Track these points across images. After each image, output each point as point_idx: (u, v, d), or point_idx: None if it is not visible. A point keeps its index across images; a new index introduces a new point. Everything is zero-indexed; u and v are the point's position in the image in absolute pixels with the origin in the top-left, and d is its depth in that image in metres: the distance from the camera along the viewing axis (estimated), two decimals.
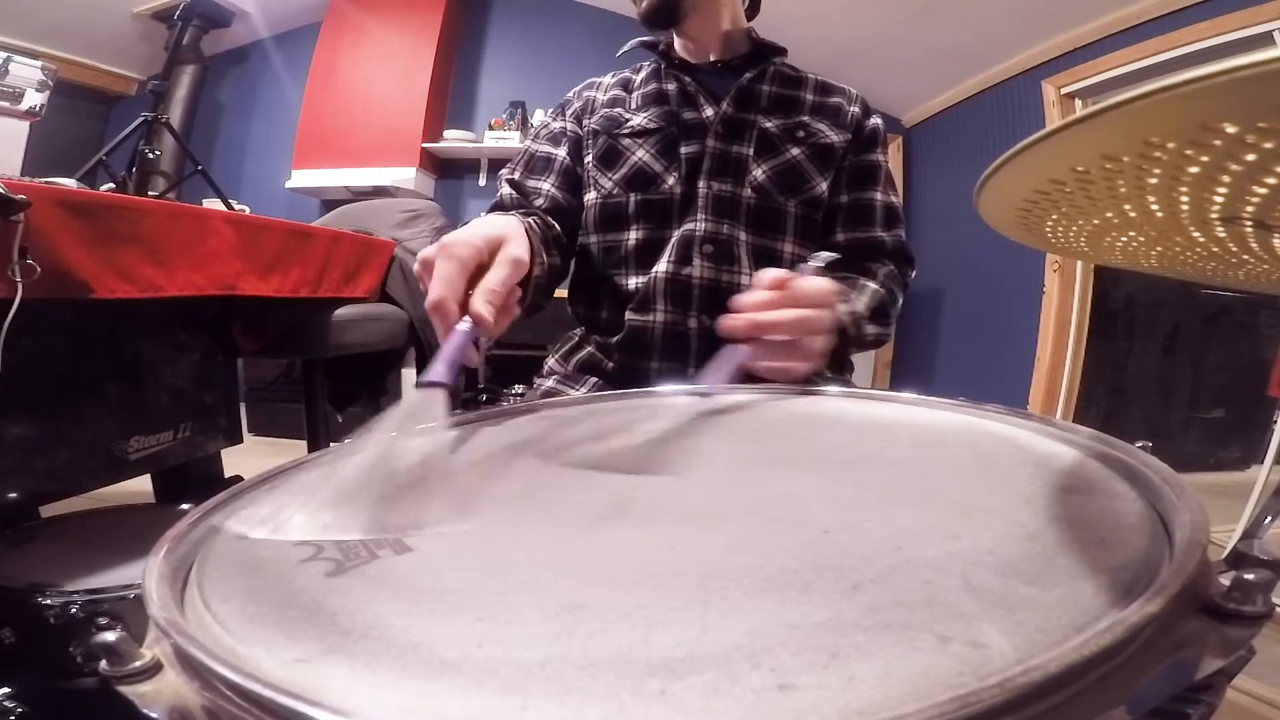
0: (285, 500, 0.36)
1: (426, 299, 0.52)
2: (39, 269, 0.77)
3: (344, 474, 0.38)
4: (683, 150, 0.85)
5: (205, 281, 1.04)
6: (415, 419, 0.44)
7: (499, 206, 0.88)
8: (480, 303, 0.51)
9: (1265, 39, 1.93)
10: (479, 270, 0.54)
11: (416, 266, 0.57)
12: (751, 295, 0.61)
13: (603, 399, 0.64)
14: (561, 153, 0.91)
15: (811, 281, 0.63)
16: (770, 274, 0.62)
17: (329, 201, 3.34)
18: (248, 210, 1.71)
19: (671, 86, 0.90)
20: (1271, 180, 0.21)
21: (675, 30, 0.91)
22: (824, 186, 0.86)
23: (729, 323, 0.60)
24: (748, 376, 0.62)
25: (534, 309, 0.77)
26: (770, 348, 0.60)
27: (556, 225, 0.85)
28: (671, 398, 0.57)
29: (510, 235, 0.57)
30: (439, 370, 0.47)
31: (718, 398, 0.56)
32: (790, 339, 0.61)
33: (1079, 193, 0.27)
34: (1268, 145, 0.20)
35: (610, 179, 0.87)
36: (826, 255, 0.70)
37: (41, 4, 3.04)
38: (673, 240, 0.84)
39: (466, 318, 0.51)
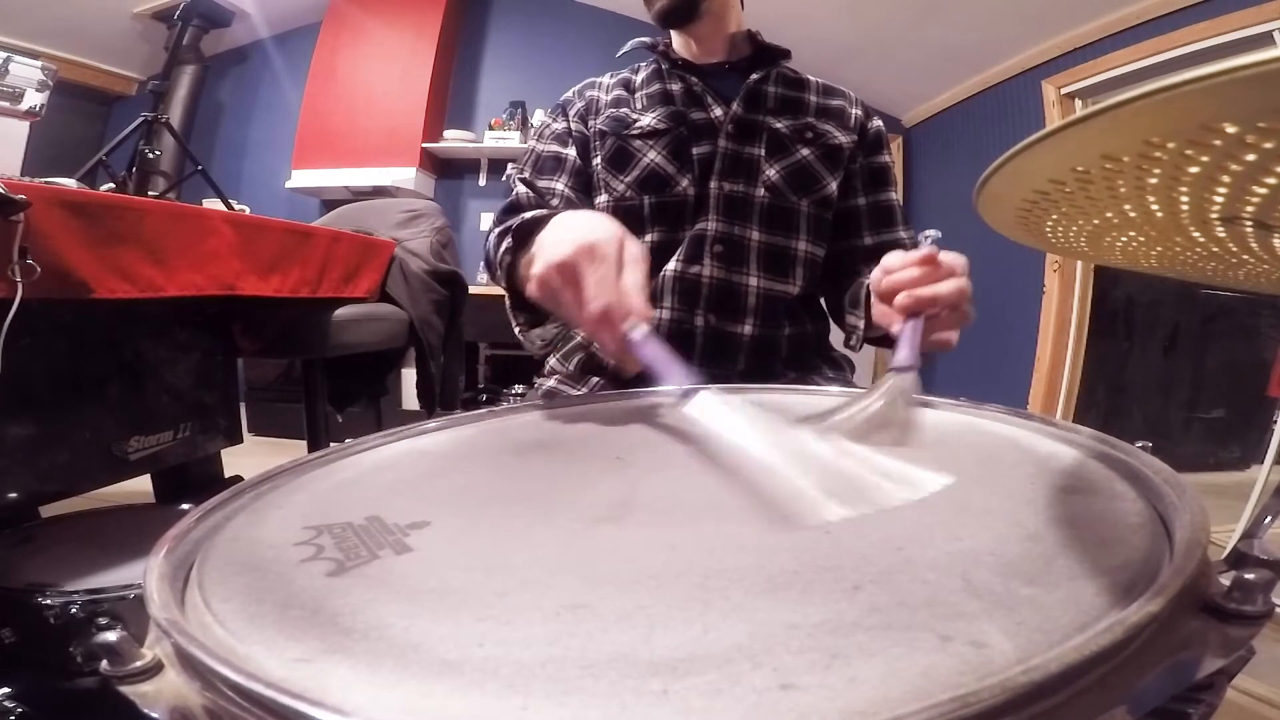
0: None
1: (590, 307, 0.50)
2: (39, 269, 0.77)
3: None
4: (694, 151, 0.85)
5: (205, 281, 1.04)
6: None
7: (516, 206, 0.87)
8: (644, 303, 0.51)
9: (1265, 39, 1.93)
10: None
11: (545, 269, 0.52)
12: (907, 272, 0.62)
13: (604, 399, 0.64)
14: (571, 153, 0.90)
15: (953, 255, 0.64)
16: (906, 254, 0.63)
17: (329, 201, 3.34)
18: (248, 210, 1.71)
19: (676, 87, 0.89)
20: (1271, 180, 0.21)
21: (686, 30, 0.91)
22: (834, 186, 0.88)
23: (900, 302, 0.61)
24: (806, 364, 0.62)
25: None
26: (933, 320, 0.62)
27: None
28: (671, 398, 0.57)
29: (623, 229, 0.55)
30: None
31: (719, 397, 0.56)
32: (950, 309, 0.62)
33: (1079, 193, 0.27)
34: (1268, 145, 0.20)
35: (622, 181, 0.87)
36: (935, 233, 0.70)
37: (41, 4, 3.04)
38: (684, 240, 0.85)
39: (634, 320, 0.50)
